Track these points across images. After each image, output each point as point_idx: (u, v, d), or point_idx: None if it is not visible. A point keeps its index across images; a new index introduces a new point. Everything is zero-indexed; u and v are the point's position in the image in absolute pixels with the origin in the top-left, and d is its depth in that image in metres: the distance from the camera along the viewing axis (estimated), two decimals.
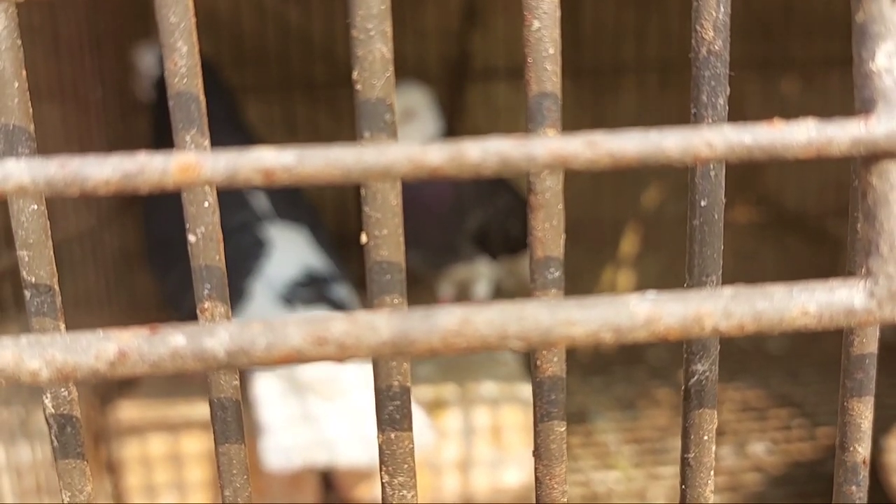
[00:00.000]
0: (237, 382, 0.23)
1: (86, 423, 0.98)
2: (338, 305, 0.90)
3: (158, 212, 1.02)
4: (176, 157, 0.17)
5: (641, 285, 1.49)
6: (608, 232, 1.47)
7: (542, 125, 0.21)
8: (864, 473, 0.24)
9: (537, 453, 0.24)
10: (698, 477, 0.24)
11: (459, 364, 1.07)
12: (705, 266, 0.23)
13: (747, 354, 1.41)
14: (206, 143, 0.21)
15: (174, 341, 0.18)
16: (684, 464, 0.24)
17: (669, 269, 1.51)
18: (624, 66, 1.40)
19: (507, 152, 0.17)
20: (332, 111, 1.40)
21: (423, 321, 0.18)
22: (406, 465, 0.24)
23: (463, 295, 1.20)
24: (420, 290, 1.26)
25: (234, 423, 0.24)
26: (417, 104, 1.08)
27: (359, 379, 0.85)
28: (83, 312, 1.06)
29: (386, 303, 0.23)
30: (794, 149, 0.17)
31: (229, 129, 1.03)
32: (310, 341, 0.18)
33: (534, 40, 0.21)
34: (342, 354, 0.18)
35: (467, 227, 1.11)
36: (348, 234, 1.31)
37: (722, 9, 0.22)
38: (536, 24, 0.21)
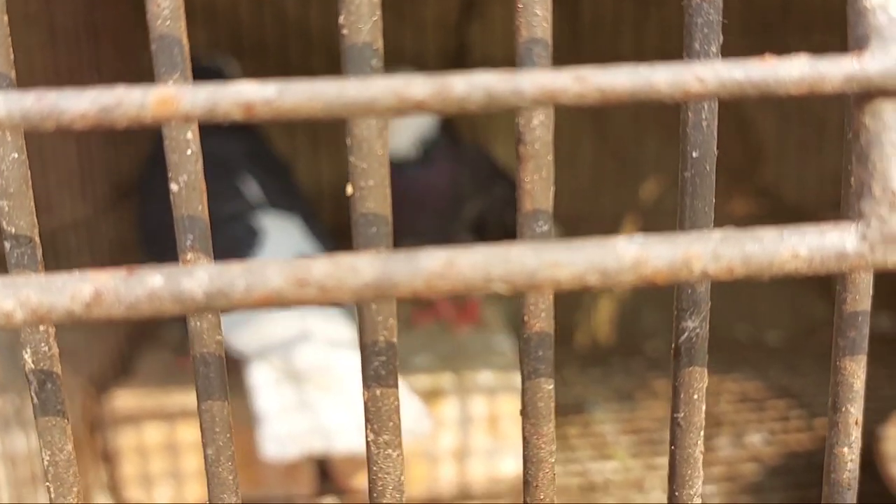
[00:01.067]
0: (220, 337, 0.23)
1: (82, 412, 0.98)
2: None
3: (153, 201, 1.01)
4: (154, 90, 0.17)
5: None
6: (607, 225, 1.47)
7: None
8: (856, 434, 0.23)
9: (525, 412, 0.24)
10: (688, 437, 0.24)
11: (456, 353, 1.07)
12: (696, 219, 0.23)
13: (745, 346, 1.40)
14: None
15: (151, 282, 0.18)
16: (674, 424, 0.24)
17: None
18: (623, 59, 1.39)
19: (493, 86, 0.17)
20: None
21: (406, 263, 0.18)
22: (391, 423, 0.23)
23: None
24: None
25: (217, 380, 0.23)
26: None
27: (354, 366, 0.85)
28: None
29: None
30: (786, 85, 0.17)
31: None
32: (290, 282, 0.17)
33: None
34: (324, 297, 0.18)
35: (464, 216, 1.11)
36: (344, 226, 1.31)
37: None
38: None
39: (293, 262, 0.18)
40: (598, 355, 1.40)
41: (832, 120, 1.40)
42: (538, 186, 0.22)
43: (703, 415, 0.24)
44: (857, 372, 0.23)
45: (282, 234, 0.95)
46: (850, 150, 0.18)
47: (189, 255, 0.22)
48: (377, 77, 0.16)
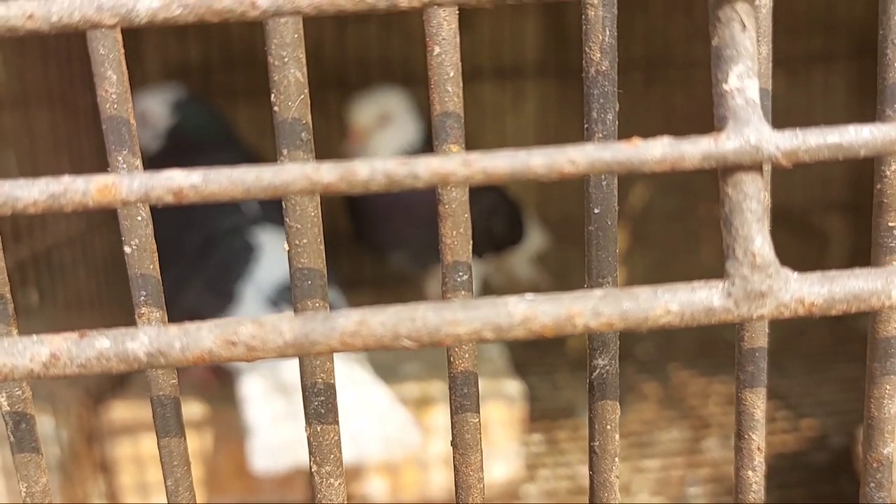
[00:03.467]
0: (175, 381, 0.25)
1: (78, 424, 1.00)
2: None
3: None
4: (95, 179, 0.19)
5: (631, 281, 1.51)
6: None
7: (447, 142, 0.23)
8: (759, 459, 0.26)
9: (454, 443, 0.26)
10: (603, 463, 0.26)
11: (445, 361, 1.09)
12: (601, 269, 0.25)
13: (732, 348, 1.42)
14: (138, 162, 0.23)
15: (99, 344, 0.20)
16: (591, 451, 0.26)
17: (659, 265, 1.53)
18: None
19: (392, 171, 0.19)
20: (321, 112, 1.41)
21: (323, 324, 0.20)
22: (332, 456, 0.26)
23: None
24: (409, 290, 1.28)
25: (173, 419, 0.26)
26: (395, 109, 1.10)
27: (343, 378, 0.87)
28: (74, 315, 1.09)
29: (308, 307, 0.25)
30: (649, 163, 0.19)
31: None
32: (220, 343, 0.20)
33: (435, 64, 0.23)
34: (250, 355, 0.20)
35: None
36: (337, 235, 1.34)
37: (608, 32, 0.24)
38: (437, 49, 0.23)
39: (224, 324, 0.20)
40: None
41: (817, 122, 1.41)
42: (457, 241, 0.24)
43: (616, 443, 0.26)
44: (757, 403, 0.25)
45: (277, 248, 0.97)
46: (720, 216, 0.20)
47: (143, 310, 0.25)
48: (288, 164, 0.19)
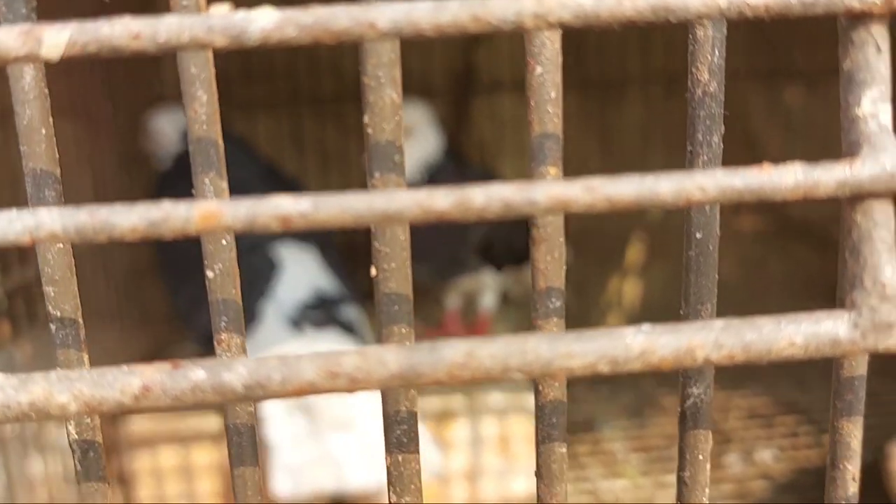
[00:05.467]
0: (252, 409, 0.24)
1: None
2: (346, 327, 0.91)
3: None
4: (198, 205, 0.18)
5: (648, 294, 1.50)
6: (614, 241, 1.48)
7: (545, 163, 0.22)
8: (853, 489, 0.25)
9: (539, 473, 0.25)
10: (693, 495, 0.25)
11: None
12: (700, 295, 0.24)
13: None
14: (224, 184, 0.22)
15: (195, 376, 0.19)
16: (680, 482, 0.25)
17: (675, 278, 1.52)
18: (629, 78, 1.41)
19: (509, 197, 0.18)
20: (340, 125, 1.41)
21: (429, 354, 0.19)
22: (413, 486, 0.25)
23: (470, 306, 1.21)
24: (428, 302, 1.27)
25: (249, 448, 0.25)
26: (417, 121, 1.10)
27: (367, 402, 0.86)
28: (94, 327, 1.08)
29: (394, 332, 0.24)
30: (782, 191, 0.18)
31: None
32: (322, 375, 0.19)
33: (536, 84, 0.22)
34: (353, 387, 0.19)
35: (472, 239, 1.12)
36: (356, 247, 1.33)
37: (717, 52, 0.23)
38: (539, 69, 0.22)
39: (325, 355, 0.19)
40: None
41: (837, 135, 1.41)
42: (551, 266, 0.23)
43: (707, 474, 0.25)
44: (854, 432, 0.25)
45: (298, 266, 0.96)
46: (844, 244, 0.19)
47: (223, 336, 0.24)
48: (401, 191, 0.18)
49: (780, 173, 0.18)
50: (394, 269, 0.23)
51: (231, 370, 0.19)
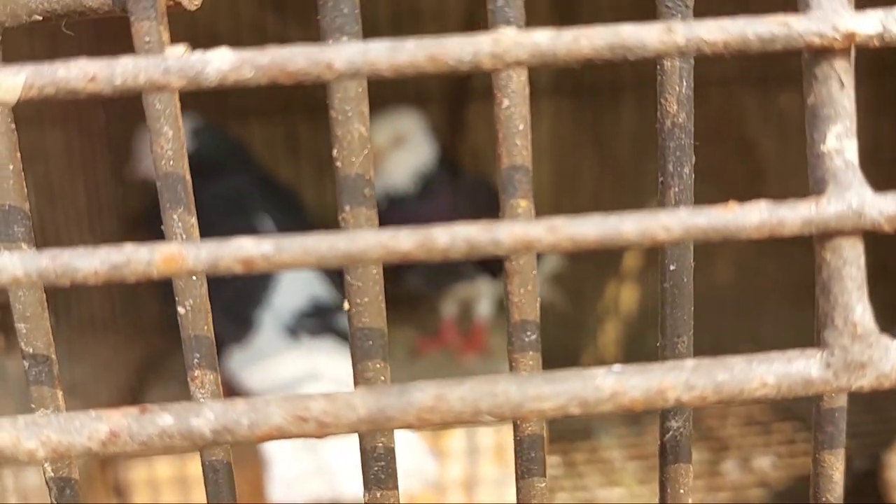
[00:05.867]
0: (228, 446, 0.24)
1: None
2: (342, 335, 0.91)
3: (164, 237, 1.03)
4: (160, 248, 0.18)
5: (645, 300, 1.49)
6: (611, 249, 1.48)
7: (515, 196, 0.22)
8: None
9: None
10: None
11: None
12: (676, 327, 0.24)
13: None
14: (193, 220, 0.22)
15: (162, 421, 0.19)
16: None
17: None
18: (623, 84, 1.41)
19: (473, 237, 0.18)
20: None
21: (398, 398, 0.19)
22: None
23: (466, 315, 1.21)
24: (424, 311, 1.27)
25: (226, 485, 0.25)
26: (409, 129, 1.10)
27: None
28: (89, 337, 1.08)
29: (368, 368, 0.23)
30: (747, 230, 0.18)
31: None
32: (290, 420, 0.19)
33: (504, 118, 0.22)
34: (322, 432, 0.19)
35: None
36: None
37: (685, 83, 0.23)
38: (506, 102, 0.22)
39: (293, 399, 0.19)
40: None
41: None
42: (525, 299, 0.23)
43: None
44: (835, 465, 0.24)
45: (293, 274, 0.96)
46: (816, 282, 0.19)
47: (196, 373, 0.23)
48: (363, 232, 0.18)
49: (744, 212, 0.18)
50: (367, 304, 0.23)
51: (199, 415, 0.19)
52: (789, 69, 1.44)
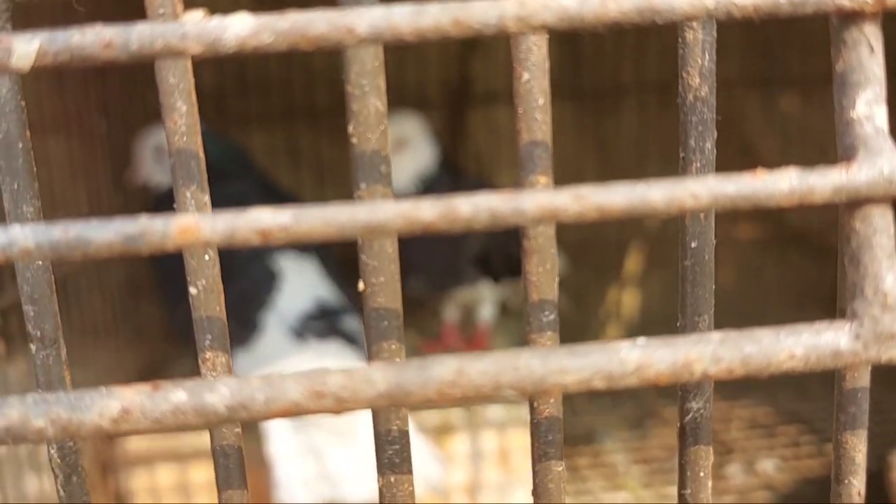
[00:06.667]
0: (239, 429, 0.24)
1: (94, 454, 0.98)
2: (349, 338, 0.91)
3: None
4: (176, 219, 0.18)
5: (646, 304, 1.49)
6: (613, 251, 1.47)
7: (534, 172, 0.22)
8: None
9: (536, 492, 0.24)
10: None
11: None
12: (697, 306, 0.24)
13: None
14: (206, 199, 0.22)
15: (175, 397, 0.18)
16: (682, 500, 0.25)
17: (675, 288, 1.51)
18: (624, 87, 1.41)
19: (496, 207, 0.18)
20: (335, 138, 1.41)
21: (418, 372, 0.18)
22: None
23: (468, 318, 1.20)
24: (426, 315, 1.26)
25: (236, 470, 0.24)
26: (410, 133, 1.09)
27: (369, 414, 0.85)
28: (90, 343, 1.07)
29: (383, 349, 0.23)
30: (776, 198, 0.18)
31: None
32: (307, 395, 0.18)
33: (524, 91, 0.21)
34: (340, 407, 0.18)
35: (468, 250, 1.11)
36: (353, 258, 1.32)
37: (707, 56, 0.22)
38: (526, 75, 0.21)
39: (310, 375, 0.19)
40: None
41: (833, 142, 1.40)
42: (543, 279, 0.23)
43: (709, 491, 0.25)
44: (858, 446, 0.24)
45: (298, 276, 0.96)
46: (843, 251, 0.19)
47: (208, 354, 0.23)
48: (385, 202, 0.17)
49: (774, 179, 0.17)
50: (382, 284, 0.23)
51: (213, 391, 0.18)
52: (790, 71, 1.44)
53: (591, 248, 1.44)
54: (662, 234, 1.48)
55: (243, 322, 0.94)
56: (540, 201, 0.18)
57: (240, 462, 0.24)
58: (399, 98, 1.35)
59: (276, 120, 1.39)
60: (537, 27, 0.17)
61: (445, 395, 0.18)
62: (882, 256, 0.18)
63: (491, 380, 0.18)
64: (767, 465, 1.14)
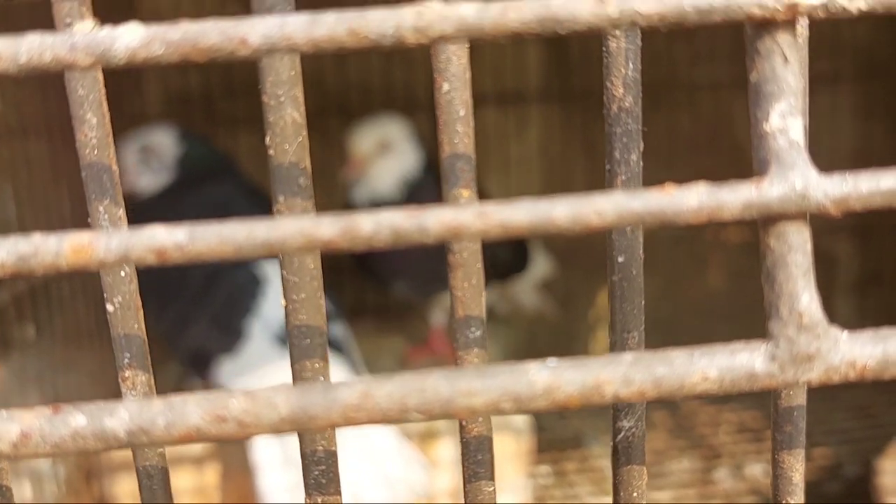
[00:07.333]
0: (163, 450, 0.23)
1: (77, 460, 0.98)
2: (334, 344, 0.90)
3: None
4: (69, 238, 0.17)
5: None
6: (602, 254, 1.47)
7: (457, 185, 0.21)
8: None
9: None
10: None
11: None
12: (626, 322, 0.23)
13: None
14: (120, 212, 0.21)
15: (75, 422, 0.18)
16: None
17: (665, 291, 1.50)
18: None
19: (399, 224, 0.17)
20: (323, 140, 1.40)
21: (323, 396, 0.18)
22: None
23: None
24: (414, 320, 1.26)
25: (160, 491, 0.24)
26: (395, 136, 1.09)
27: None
28: (73, 348, 1.06)
29: (306, 368, 0.22)
30: (684, 214, 0.17)
31: None
32: (209, 420, 0.18)
33: (444, 102, 0.21)
34: (242, 432, 0.18)
35: None
36: (339, 263, 1.31)
37: (631, 65, 0.22)
38: (446, 86, 0.21)
39: (212, 398, 0.18)
40: None
41: (823, 143, 1.40)
42: (469, 294, 0.22)
43: None
44: (795, 465, 0.23)
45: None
46: (761, 271, 0.18)
47: (127, 373, 0.23)
48: (283, 220, 0.17)
49: (682, 195, 0.17)
50: (304, 300, 0.22)
51: (113, 415, 0.18)
52: None
53: (581, 250, 1.43)
54: (653, 236, 1.48)
55: (228, 329, 0.94)
56: (443, 219, 0.17)
57: (164, 483, 0.24)
58: (387, 100, 1.34)
59: (263, 122, 1.38)
60: (436, 38, 0.16)
61: (351, 419, 0.18)
62: (797, 275, 0.18)
63: (397, 403, 0.18)
64: (755, 470, 1.13)
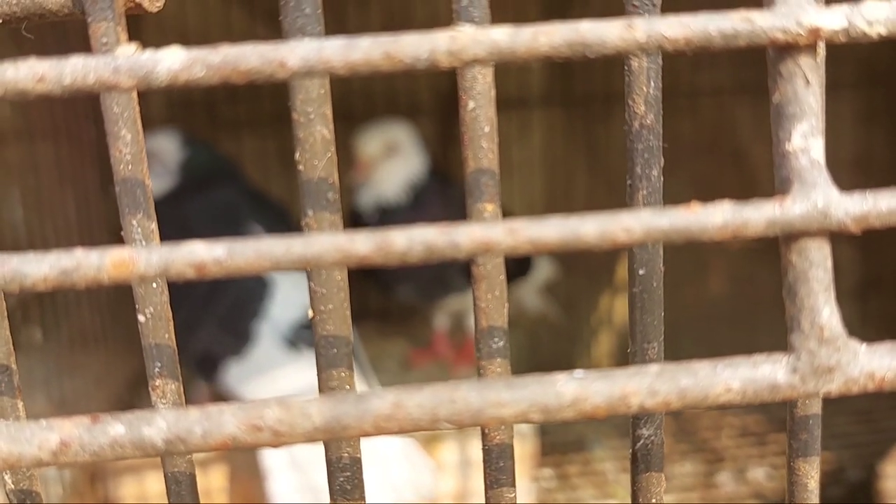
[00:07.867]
0: (191, 456, 0.24)
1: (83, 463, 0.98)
2: None
3: None
4: (110, 252, 0.18)
5: None
6: (605, 258, 1.47)
7: (481, 200, 0.22)
8: None
9: None
10: None
11: None
12: (646, 333, 0.24)
13: None
14: (153, 226, 0.22)
15: (113, 431, 0.18)
16: None
17: (667, 294, 1.51)
18: (615, 94, 1.41)
19: (432, 241, 0.18)
20: None
21: (355, 406, 0.18)
22: None
23: (458, 326, 1.20)
24: (417, 323, 1.26)
25: (189, 497, 0.24)
26: (400, 140, 1.10)
27: (372, 443, 0.85)
28: (79, 352, 1.07)
29: (333, 377, 0.23)
30: (710, 231, 0.18)
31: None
32: (244, 429, 0.18)
33: (469, 119, 0.22)
34: (277, 441, 0.18)
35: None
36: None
37: (653, 84, 0.22)
38: (472, 104, 0.22)
39: (248, 407, 0.19)
40: None
41: (826, 149, 1.40)
42: (492, 305, 0.23)
43: None
44: (811, 473, 0.24)
45: (291, 285, 0.96)
46: (783, 285, 0.19)
47: (158, 382, 0.23)
48: (319, 235, 0.17)
49: (707, 213, 0.18)
50: (331, 311, 0.23)
51: (151, 424, 0.19)
52: None
53: (583, 254, 1.44)
54: None
55: (236, 332, 0.94)
56: (474, 235, 0.18)
57: (192, 488, 0.24)
58: (390, 105, 1.35)
59: (266, 125, 1.39)
60: (469, 61, 0.17)
61: (382, 428, 0.18)
62: (819, 290, 0.18)
63: (428, 413, 0.18)
64: (758, 473, 1.14)
